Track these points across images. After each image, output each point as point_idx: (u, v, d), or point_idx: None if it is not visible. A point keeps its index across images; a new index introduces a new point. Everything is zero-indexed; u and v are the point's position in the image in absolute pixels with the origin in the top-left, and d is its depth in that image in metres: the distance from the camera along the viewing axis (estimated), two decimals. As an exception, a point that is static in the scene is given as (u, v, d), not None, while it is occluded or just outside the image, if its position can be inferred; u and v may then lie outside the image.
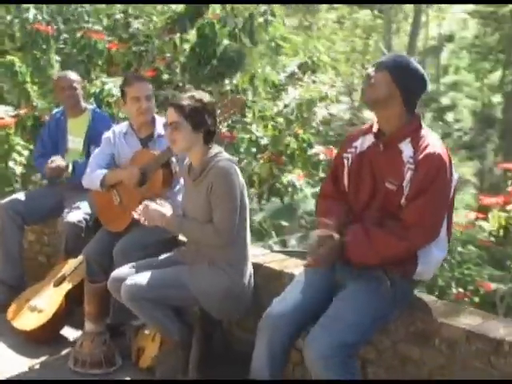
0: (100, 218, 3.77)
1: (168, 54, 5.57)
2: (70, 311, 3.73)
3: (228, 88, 5.45)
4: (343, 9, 17.18)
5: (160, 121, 3.68)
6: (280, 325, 2.59)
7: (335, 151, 4.68)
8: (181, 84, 5.45)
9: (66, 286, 3.76)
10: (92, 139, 4.23)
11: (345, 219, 2.63)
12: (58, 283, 3.82)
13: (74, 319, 3.74)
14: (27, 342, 3.64)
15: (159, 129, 3.65)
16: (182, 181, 3.51)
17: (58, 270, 3.93)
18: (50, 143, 4.39)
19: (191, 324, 3.09)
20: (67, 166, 4.14)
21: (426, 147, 2.50)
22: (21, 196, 4.25)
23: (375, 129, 2.66)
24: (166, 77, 5.60)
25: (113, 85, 4.81)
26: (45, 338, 3.64)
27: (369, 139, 2.69)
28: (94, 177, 3.67)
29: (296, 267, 3.25)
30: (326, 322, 2.49)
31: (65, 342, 3.70)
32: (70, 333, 3.75)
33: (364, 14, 18.44)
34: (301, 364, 3.03)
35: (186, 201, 3.07)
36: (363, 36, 17.03)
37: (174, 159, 3.50)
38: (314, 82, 5.60)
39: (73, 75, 4.37)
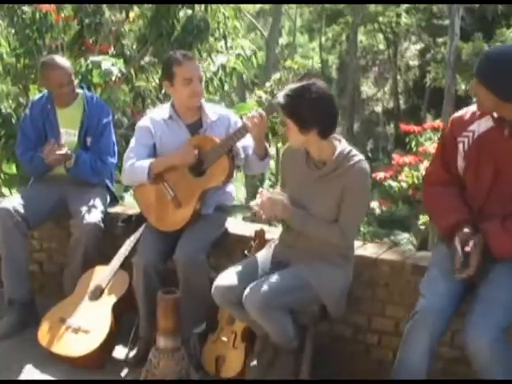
0: (149, 217, 3.34)
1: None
2: (120, 328, 3.28)
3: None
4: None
5: (208, 105, 3.37)
6: (441, 320, 2.50)
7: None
8: (147, 58, 4.98)
9: (109, 300, 3.32)
10: (89, 130, 3.77)
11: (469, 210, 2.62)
12: (96, 297, 3.35)
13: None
14: (75, 370, 3.16)
15: (210, 114, 3.32)
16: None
17: (87, 280, 3.45)
18: (34, 136, 3.81)
19: (306, 326, 2.90)
20: (70, 154, 3.65)
21: None
22: (18, 197, 3.68)
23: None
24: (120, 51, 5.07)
25: (110, 63, 4.24)
26: (98, 363, 3.20)
27: (485, 124, 2.63)
28: (136, 168, 3.25)
29: (394, 253, 3.16)
30: (483, 308, 2.43)
31: (117, 362, 3.26)
32: (118, 351, 3.33)
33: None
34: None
35: (302, 193, 2.81)
36: None
37: (238, 145, 3.20)
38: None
39: (66, 63, 3.78)
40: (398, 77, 27.79)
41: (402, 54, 26.89)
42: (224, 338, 3.15)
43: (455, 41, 13.54)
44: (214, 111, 3.35)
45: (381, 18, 21.66)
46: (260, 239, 3.22)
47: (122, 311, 3.32)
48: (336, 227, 2.72)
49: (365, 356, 3.18)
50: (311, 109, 2.60)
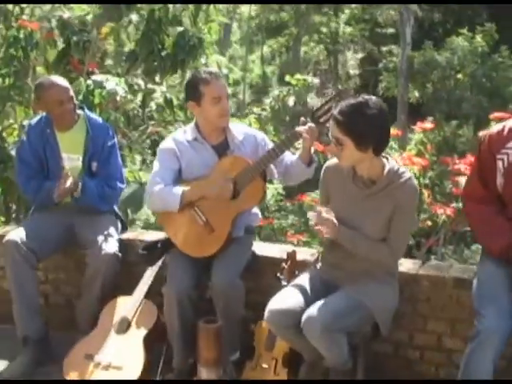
0: (179, 243, 3.25)
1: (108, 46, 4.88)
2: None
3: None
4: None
5: (232, 125, 3.35)
6: (504, 338, 2.53)
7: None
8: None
9: (139, 333, 3.25)
10: (94, 154, 3.63)
11: None
12: (124, 330, 3.23)
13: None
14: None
15: (236, 133, 3.31)
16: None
17: (110, 313, 3.34)
18: (34, 163, 3.65)
19: (357, 345, 2.92)
20: (77, 184, 3.52)
21: None
22: (25, 228, 3.53)
23: None
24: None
25: (115, 83, 4.06)
26: (133, 399, 3.04)
27: None
28: (167, 195, 3.16)
29: (432, 268, 3.21)
30: None
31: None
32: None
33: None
34: (446, 365, 3.12)
35: (350, 212, 2.82)
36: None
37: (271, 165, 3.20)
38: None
39: (64, 80, 3.63)
40: (340, 86, 28.26)
41: (342, 63, 27.36)
42: (264, 365, 3.12)
43: (407, 50, 13.85)
44: (238, 130, 3.34)
45: (324, 29, 21.93)
46: (292, 261, 3.20)
47: (153, 343, 3.22)
48: (384, 247, 2.77)
49: (407, 372, 3.23)
50: (370, 125, 2.62)
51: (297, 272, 3.16)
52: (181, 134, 3.31)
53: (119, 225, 3.72)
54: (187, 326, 3.07)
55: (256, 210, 3.43)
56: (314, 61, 28.82)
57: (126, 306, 3.29)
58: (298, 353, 2.96)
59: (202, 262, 3.17)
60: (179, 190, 3.15)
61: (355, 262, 2.81)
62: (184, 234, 3.22)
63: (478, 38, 12.86)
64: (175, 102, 5.07)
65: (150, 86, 4.95)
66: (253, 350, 3.17)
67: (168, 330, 3.15)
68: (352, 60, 26.41)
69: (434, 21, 16.19)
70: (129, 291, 3.40)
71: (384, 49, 20.52)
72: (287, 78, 5.47)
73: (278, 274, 3.14)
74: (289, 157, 3.27)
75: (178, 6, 5.01)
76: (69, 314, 3.63)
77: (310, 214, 2.79)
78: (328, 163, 2.95)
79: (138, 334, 3.18)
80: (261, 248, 3.47)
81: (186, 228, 3.21)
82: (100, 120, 3.76)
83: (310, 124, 3.08)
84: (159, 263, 3.38)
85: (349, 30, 21.93)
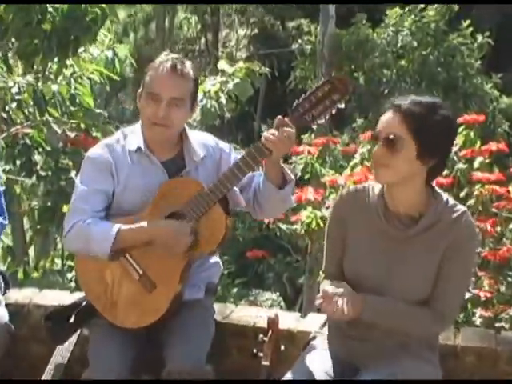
0: (101, 308, 3.17)
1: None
2: None
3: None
4: None
5: (193, 134, 3.34)
6: None
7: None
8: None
9: None
10: None
11: None
12: None
13: None
14: None
15: (196, 147, 3.28)
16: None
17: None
18: None
19: None
20: None
21: None
22: None
23: None
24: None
25: None
26: None
27: None
28: (95, 234, 3.09)
29: (476, 337, 3.30)
30: None
31: None
32: None
33: None
34: None
35: (380, 263, 2.81)
36: None
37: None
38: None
39: None
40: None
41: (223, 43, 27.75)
42: None
43: (330, 26, 14.14)
44: (199, 141, 3.32)
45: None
46: (274, 330, 3.15)
47: None
48: (425, 312, 2.76)
49: None
50: (444, 131, 2.68)
51: (282, 347, 3.14)
52: (118, 140, 3.25)
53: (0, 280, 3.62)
54: None
55: (215, 257, 3.41)
56: (185, 38, 29.14)
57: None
58: None
59: (143, 336, 3.12)
60: (114, 226, 3.08)
61: (386, 333, 2.80)
62: (110, 295, 3.14)
63: (431, 11, 13.22)
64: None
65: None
66: None
67: None
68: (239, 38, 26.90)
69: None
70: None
71: (291, 24, 21.05)
72: (221, 63, 5.41)
73: (255, 351, 3.10)
74: (259, 177, 3.25)
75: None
76: None
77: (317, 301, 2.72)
78: (345, 192, 2.94)
79: None
80: (224, 312, 3.45)
81: (113, 285, 3.14)
82: None
83: (287, 129, 3.01)
84: (73, 339, 3.28)
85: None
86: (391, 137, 2.66)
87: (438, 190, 2.83)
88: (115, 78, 5.60)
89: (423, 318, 2.76)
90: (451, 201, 2.81)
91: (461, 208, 2.79)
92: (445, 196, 2.81)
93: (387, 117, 2.70)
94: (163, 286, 3.10)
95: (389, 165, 2.70)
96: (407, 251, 2.76)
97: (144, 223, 3.10)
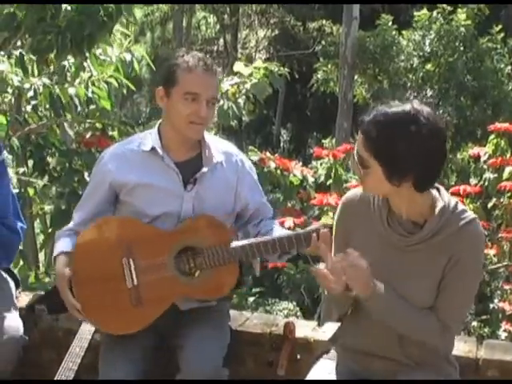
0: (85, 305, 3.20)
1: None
2: None
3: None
4: None
5: (212, 139, 3.42)
6: None
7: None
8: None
9: None
10: None
11: None
12: None
13: None
14: None
15: (215, 151, 3.34)
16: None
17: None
18: None
19: None
20: None
21: None
22: None
23: None
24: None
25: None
26: None
27: None
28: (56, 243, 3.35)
29: (499, 349, 3.29)
30: None
31: None
32: None
33: None
34: None
35: (382, 267, 2.76)
36: None
37: None
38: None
39: None
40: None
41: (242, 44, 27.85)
42: None
43: (353, 27, 14.16)
44: (218, 146, 3.36)
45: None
46: (290, 337, 3.22)
47: None
48: (434, 320, 2.73)
49: None
50: (414, 150, 2.55)
51: (298, 356, 3.16)
52: (130, 142, 3.35)
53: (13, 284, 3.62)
54: None
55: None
56: (203, 38, 29.26)
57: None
58: None
59: (155, 340, 3.19)
60: (65, 246, 3.25)
61: (401, 347, 2.79)
62: (99, 292, 3.18)
63: (461, 14, 13.07)
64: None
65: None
66: None
67: None
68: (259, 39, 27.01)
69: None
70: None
71: (312, 25, 21.07)
72: (237, 65, 5.42)
73: (271, 360, 3.18)
74: (271, 224, 3.34)
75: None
76: None
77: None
78: (349, 195, 2.93)
79: None
80: (239, 320, 3.48)
81: (100, 282, 3.17)
82: None
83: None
84: (84, 343, 3.27)
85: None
86: (357, 158, 2.64)
87: (442, 190, 2.78)
88: (131, 85, 5.63)
89: (431, 322, 2.72)
90: (460, 206, 2.76)
91: (469, 215, 2.74)
92: (453, 200, 2.76)
93: (359, 135, 2.66)
94: (147, 308, 3.12)
95: (363, 182, 2.71)
96: (410, 258, 2.75)
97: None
